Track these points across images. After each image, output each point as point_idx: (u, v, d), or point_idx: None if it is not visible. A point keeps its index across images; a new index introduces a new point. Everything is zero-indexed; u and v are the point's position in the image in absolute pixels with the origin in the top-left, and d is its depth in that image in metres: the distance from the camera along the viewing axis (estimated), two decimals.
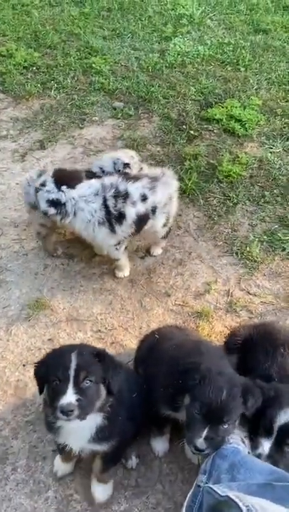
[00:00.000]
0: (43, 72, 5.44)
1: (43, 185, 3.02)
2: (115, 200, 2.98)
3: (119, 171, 3.28)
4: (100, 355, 1.92)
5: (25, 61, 5.55)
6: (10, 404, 2.66)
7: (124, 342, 2.96)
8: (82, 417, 1.85)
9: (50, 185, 3.00)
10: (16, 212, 3.86)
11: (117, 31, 6.09)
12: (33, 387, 2.73)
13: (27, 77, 5.39)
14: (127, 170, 3.28)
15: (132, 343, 2.94)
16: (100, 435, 2.01)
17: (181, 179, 3.98)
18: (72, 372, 1.83)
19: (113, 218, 3.03)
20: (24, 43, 5.91)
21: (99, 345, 2.91)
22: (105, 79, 5.25)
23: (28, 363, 2.85)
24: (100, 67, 5.40)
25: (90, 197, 2.98)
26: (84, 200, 2.98)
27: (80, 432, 2.01)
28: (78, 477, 2.36)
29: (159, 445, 2.42)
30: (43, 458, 2.44)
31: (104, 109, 4.92)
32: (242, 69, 5.35)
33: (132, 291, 3.26)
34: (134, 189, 3.01)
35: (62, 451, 2.22)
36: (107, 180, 3.04)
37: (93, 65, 5.42)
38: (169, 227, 3.35)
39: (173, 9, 6.49)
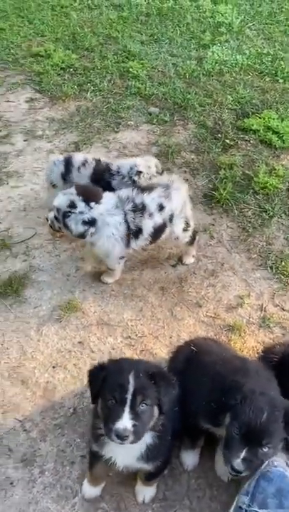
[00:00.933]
0: (80, 74, 5.47)
1: (73, 206, 2.99)
2: (134, 214, 3.00)
3: (131, 177, 3.33)
4: (156, 377, 1.90)
5: (62, 62, 5.59)
6: (39, 406, 2.65)
7: (154, 350, 2.93)
8: (135, 441, 1.85)
9: (81, 205, 2.98)
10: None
11: (155, 37, 6.10)
12: (62, 390, 2.74)
13: (64, 78, 5.43)
14: (136, 178, 3.32)
15: (162, 351, 2.91)
16: (149, 454, 2.00)
17: (215, 188, 3.96)
18: (129, 396, 1.82)
19: (131, 234, 3.05)
20: (62, 44, 5.95)
21: (129, 352, 2.91)
22: (142, 84, 5.25)
23: (58, 365, 2.85)
24: (136, 71, 5.40)
25: (112, 210, 2.99)
26: (109, 214, 2.99)
27: (129, 451, 1.99)
28: (107, 485, 2.33)
29: (190, 459, 2.38)
30: (71, 463, 2.42)
31: (139, 114, 4.91)
32: (280, 80, 5.31)
33: (163, 299, 3.24)
34: (151, 200, 3.01)
35: (92, 466, 2.20)
36: (123, 193, 3.06)
37: (130, 70, 5.44)
38: (193, 233, 3.32)
39: (212, 17, 6.48)
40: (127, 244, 3.09)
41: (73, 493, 2.32)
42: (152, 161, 3.53)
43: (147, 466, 2.06)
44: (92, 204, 2.98)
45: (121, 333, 3.03)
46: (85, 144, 4.54)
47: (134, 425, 1.81)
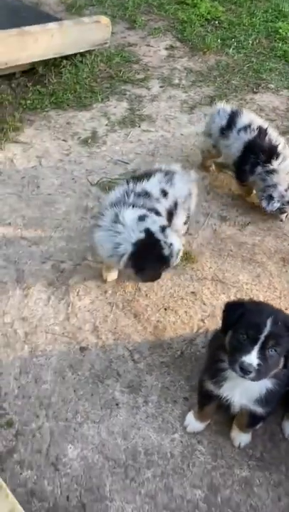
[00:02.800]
0: (224, 28, 5.28)
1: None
2: None
3: None
4: None
5: (208, 13, 5.42)
6: (148, 341, 2.73)
7: None
8: (255, 380, 1.88)
9: None
10: (177, 162, 3.82)
11: None
12: (171, 332, 2.79)
13: (207, 30, 5.27)
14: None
15: None
16: (267, 398, 2.02)
17: None
18: (262, 337, 1.83)
19: None
20: None
21: None
22: None
23: (170, 309, 2.90)
24: (285, 33, 5.13)
25: None
26: None
27: (248, 390, 2.02)
28: (205, 432, 2.38)
29: None
30: (174, 401, 2.49)
31: (282, 78, 4.68)
32: None
33: (283, 270, 3.15)
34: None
35: (203, 406, 2.26)
36: None
37: (279, 30, 5.17)
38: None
39: None
40: None
41: (173, 428, 2.39)
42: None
43: (261, 410, 2.08)
44: None
45: (235, 294, 3.00)
46: (220, 99, 4.39)
47: (258, 364, 1.83)
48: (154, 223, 2.59)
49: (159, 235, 2.57)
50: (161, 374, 2.60)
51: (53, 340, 2.72)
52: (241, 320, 1.91)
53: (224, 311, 2.05)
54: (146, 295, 2.96)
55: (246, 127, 3.17)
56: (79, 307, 2.88)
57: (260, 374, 1.86)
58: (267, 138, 3.12)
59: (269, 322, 1.84)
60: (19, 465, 2.25)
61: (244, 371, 1.84)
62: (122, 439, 2.35)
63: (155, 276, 2.76)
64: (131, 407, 2.46)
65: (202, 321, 2.84)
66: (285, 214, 3.32)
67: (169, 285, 3.03)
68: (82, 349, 2.68)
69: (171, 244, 2.59)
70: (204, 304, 2.94)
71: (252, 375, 1.84)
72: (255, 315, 1.90)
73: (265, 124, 3.20)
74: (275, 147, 3.11)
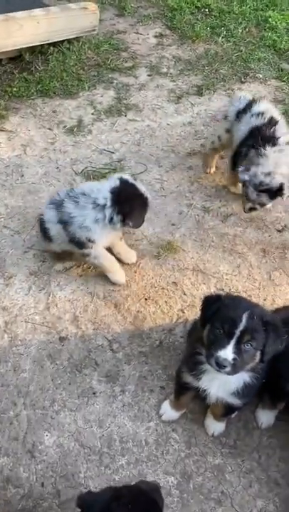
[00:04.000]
0: (214, 16, 5.22)
1: None
2: None
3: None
4: (268, 325, 1.89)
5: (198, 1, 5.36)
6: (127, 331, 2.76)
7: None
8: (231, 374, 1.91)
9: None
10: (162, 152, 3.85)
11: None
12: (151, 322, 2.82)
13: (197, 17, 5.22)
14: None
15: None
16: (244, 391, 2.05)
17: None
18: (237, 332, 1.85)
19: None
20: None
21: None
22: (278, 36, 4.94)
23: (150, 299, 2.92)
24: (275, 22, 5.07)
25: None
26: None
27: (226, 384, 2.05)
28: (180, 419, 2.42)
29: (265, 417, 2.40)
30: (150, 390, 2.53)
31: (270, 67, 4.65)
32: None
33: (263, 261, 3.17)
34: None
35: (179, 396, 2.29)
36: None
37: (269, 20, 5.11)
38: None
39: None
40: None
41: (149, 417, 2.43)
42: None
43: (237, 402, 2.11)
44: None
45: (215, 284, 3.02)
46: (208, 89, 4.39)
47: (234, 359, 1.86)
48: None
49: (134, 181, 2.76)
50: (139, 363, 2.63)
51: (32, 330, 2.74)
52: (218, 314, 1.92)
53: (202, 305, 2.07)
54: (128, 285, 2.98)
55: (259, 114, 3.13)
56: (59, 297, 2.90)
57: (235, 368, 1.88)
58: (273, 128, 3.10)
59: (245, 317, 1.85)
60: None
61: (219, 365, 1.86)
62: (98, 427, 2.38)
63: (141, 219, 2.83)
64: (108, 396, 2.49)
65: (182, 311, 2.86)
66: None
67: (150, 275, 3.05)
68: (62, 339, 2.71)
69: (145, 191, 2.77)
70: (184, 294, 2.96)
71: (227, 369, 1.87)
72: (231, 309, 1.90)
73: (278, 117, 3.16)
74: (276, 138, 3.07)
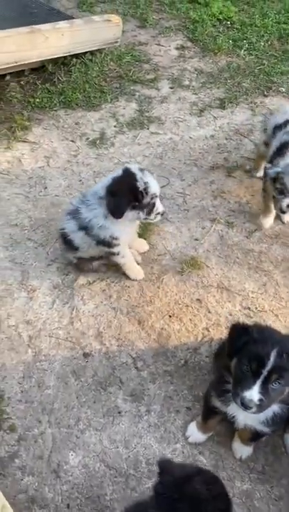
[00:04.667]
0: (236, 29, 5.21)
1: None
2: None
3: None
4: None
5: (220, 13, 5.34)
6: (152, 349, 2.73)
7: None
8: (257, 413, 1.86)
9: None
10: (185, 165, 3.83)
11: None
12: (175, 340, 2.78)
13: (219, 30, 5.21)
14: None
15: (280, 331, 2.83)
16: (273, 420, 2.01)
17: None
18: (265, 372, 1.79)
19: None
20: None
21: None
22: None
23: (174, 316, 2.88)
24: None
25: None
26: None
27: (254, 414, 1.99)
28: (207, 442, 2.38)
29: None
30: (176, 411, 2.49)
31: None
32: None
33: None
34: None
35: (207, 418, 2.25)
36: None
37: None
38: None
39: None
40: None
41: (175, 439, 2.39)
42: None
43: (266, 429, 2.07)
44: None
45: (240, 302, 2.98)
46: (230, 102, 4.37)
47: (260, 399, 1.81)
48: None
49: (137, 171, 2.66)
50: (164, 383, 2.59)
51: (56, 345, 2.72)
52: (245, 349, 1.87)
53: (229, 335, 2.02)
54: (151, 301, 2.95)
55: None
56: (83, 312, 2.88)
57: (261, 408, 1.83)
58: None
59: (273, 355, 1.79)
60: (21, 471, 2.26)
61: (245, 406, 1.81)
62: (124, 447, 2.35)
63: (120, 208, 2.65)
64: (133, 415, 2.46)
65: (207, 329, 2.82)
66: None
67: (174, 291, 3.01)
68: (86, 355, 2.68)
69: (146, 182, 2.64)
70: (209, 312, 2.92)
71: (253, 410, 1.82)
72: (259, 345, 1.83)
73: None
74: None
